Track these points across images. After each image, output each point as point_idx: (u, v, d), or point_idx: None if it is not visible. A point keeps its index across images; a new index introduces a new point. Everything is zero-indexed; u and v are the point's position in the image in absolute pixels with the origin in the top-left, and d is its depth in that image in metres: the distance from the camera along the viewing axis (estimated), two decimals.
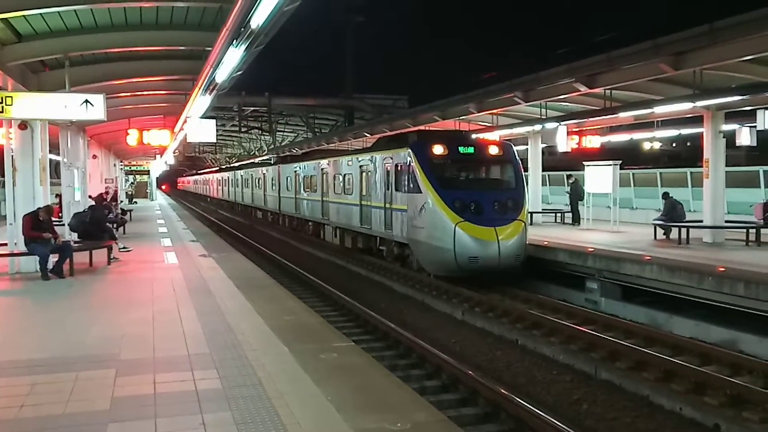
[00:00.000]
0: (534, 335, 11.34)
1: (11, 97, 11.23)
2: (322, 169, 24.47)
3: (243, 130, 39.96)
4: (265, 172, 36.85)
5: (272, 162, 37.73)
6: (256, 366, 6.41)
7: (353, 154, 21.70)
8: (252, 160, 49.20)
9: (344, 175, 21.62)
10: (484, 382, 8.32)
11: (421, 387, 8.43)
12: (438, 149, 15.74)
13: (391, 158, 17.27)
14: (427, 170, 15.42)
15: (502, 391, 7.99)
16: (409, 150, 16.07)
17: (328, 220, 23.61)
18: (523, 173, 16.53)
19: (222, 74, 11.03)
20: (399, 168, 16.70)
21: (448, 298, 14.41)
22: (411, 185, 15.88)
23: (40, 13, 10.14)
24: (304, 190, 27.30)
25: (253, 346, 7.20)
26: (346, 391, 5.93)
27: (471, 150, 16.14)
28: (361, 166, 19.83)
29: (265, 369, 6.31)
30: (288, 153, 39.76)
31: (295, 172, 28.75)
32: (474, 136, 18.69)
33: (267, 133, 41.63)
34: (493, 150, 16.24)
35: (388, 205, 17.49)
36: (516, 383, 9.17)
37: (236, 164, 56.06)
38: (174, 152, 38.73)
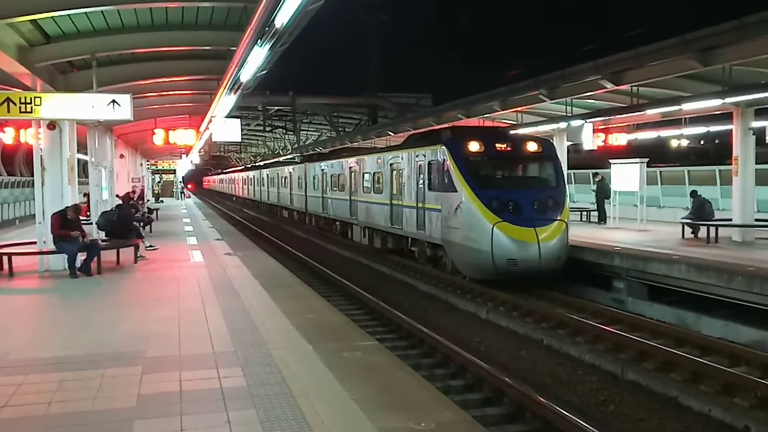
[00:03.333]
0: (559, 335, 11.24)
1: (40, 97, 11.41)
2: (350, 168, 23.95)
3: (267, 129, 40.20)
4: (291, 170, 36.41)
5: (298, 160, 37.36)
6: (280, 364, 6.43)
7: (383, 151, 21.16)
8: (278, 159, 49.01)
9: (373, 173, 21.17)
10: (509, 382, 8.27)
11: (446, 386, 8.41)
12: (474, 146, 15.10)
13: (424, 155, 16.68)
14: (462, 168, 14.77)
15: (528, 391, 7.93)
16: (444, 147, 15.46)
17: (357, 219, 23.12)
18: (564, 170, 15.77)
19: (247, 74, 11.08)
20: (432, 166, 16.16)
21: (473, 297, 14.33)
22: (445, 184, 15.26)
23: (68, 14, 10.25)
24: (331, 189, 26.83)
25: (277, 344, 7.22)
26: (370, 389, 5.91)
27: (508, 146, 15.46)
28: (391, 165, 19.30)
29: (290, 367, 6.33)
30: (314, 152, 39.55)
31: (323, 170, 28.26)
32: (512, 132, 18.08)
33: (291, 132, 41.79)
34: (532, 146, 15.52)
35: (420, 205, 16.93)
36: (541, 383, 9.09)
37: (261, 163, 56.09)
38: (199, 151, 39.09)
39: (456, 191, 14.74)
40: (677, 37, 12.56)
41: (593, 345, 10.58)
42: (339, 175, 25.65)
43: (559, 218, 14.33)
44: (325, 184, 27.79)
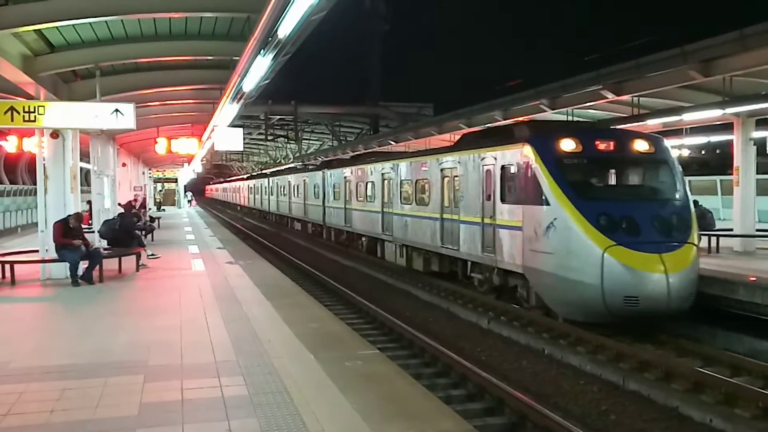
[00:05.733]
0: (561, 345, 11.23)
1: (43, 106, 11.47)
2: (382, 174, 20.55)
3: (269, 138, 40.17)
4: (306, 178, 32.83)
5: (315, 166, 34.05)
6: (282, 373, 6.44)
7: (430, 154, 17.78)
8: (293, 165, 46.85)
9: (416, 181, 18.00)
10: (510, 392, 8.26)
11: (447, 396, 8.40)
12: (568, 144, 11.83)
13: (495, 158, 13.35)
14: (555, 173, 11.51)
15: (529, 400, 7.93)
16: (528, 146, 12.14)
17: (391, 236, 19.58)
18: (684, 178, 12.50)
19: (249, 83, 11.13)
20: (508, 171, 12.90)
21: (474, 307, 14.31)
22: (530, 194, 11.99)
23: (72, 24, 10.33)
24: (357, 199, 23.31)
25: (279, 353, 7.24)
26: (372, 399, 5.92)
27: (612, 145, 12.22)
28: (442, 170, 16.10)
29: (291, 376, 6.34)
30: (333, 157, 37.91)
31: (345, 178, 24.85)
32: (615, 127, 15.13)
33: (293, 141, 41.80)
34: (642, 145, 12.24)
35: (488, 221, 13.63)
36: (543, 393, 9.08)
37: (267, 171, 55.14)
38: (201, 160, 39.12)
39: (547, 204, 11.49)
40: (677, 48, 12.63)
41: (594, 355, 10.57)
42: (368, 183, 22.16)
43: (689, 241, 11.17)
44: (350, 194, 24.29)
